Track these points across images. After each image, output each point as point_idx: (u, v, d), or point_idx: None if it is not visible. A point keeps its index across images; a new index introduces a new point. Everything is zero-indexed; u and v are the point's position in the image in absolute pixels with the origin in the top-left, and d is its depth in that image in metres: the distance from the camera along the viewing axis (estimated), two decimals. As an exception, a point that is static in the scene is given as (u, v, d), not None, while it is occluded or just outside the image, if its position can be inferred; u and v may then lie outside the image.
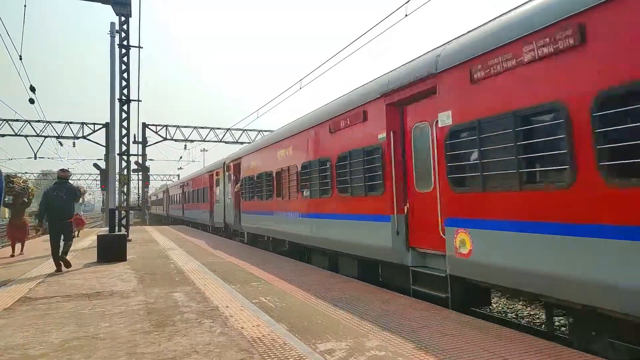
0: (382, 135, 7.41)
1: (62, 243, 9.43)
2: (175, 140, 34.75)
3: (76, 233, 17.99)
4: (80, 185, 17.82)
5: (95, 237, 11.78)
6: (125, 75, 16.28)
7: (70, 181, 10.28)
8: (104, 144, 31.65)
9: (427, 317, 5.28)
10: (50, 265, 9.71)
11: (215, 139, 35.51)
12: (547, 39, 4.51)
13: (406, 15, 9.69)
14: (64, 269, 9.37)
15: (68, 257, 9.68)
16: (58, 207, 9.27)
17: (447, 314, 5.47)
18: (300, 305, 6.01)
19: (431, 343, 4.32)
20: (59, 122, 31.96)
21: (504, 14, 5.48)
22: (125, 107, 16.32)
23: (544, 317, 7.50)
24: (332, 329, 4.86)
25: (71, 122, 32.19)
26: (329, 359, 3.95)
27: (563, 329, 7.13)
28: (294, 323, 5.14)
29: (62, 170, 10.12)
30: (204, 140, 35.51)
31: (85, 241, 16.65)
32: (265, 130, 33.95)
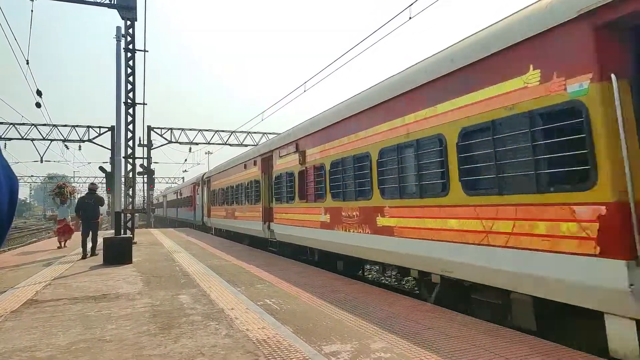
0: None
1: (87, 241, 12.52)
2: (180, 143, 34.95)
3: (62, 244, 15.64)
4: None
5: (101, 240, 11.85)
6: (130, 78, 16.39)
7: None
8: (110, 147, 31.91)
9: (431, 319, 5.28)
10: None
11: (219, 142, 35.67)
12: None
13: (410, 18, 9.70)
14: (88, 256, 12.23)
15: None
16: (88, 210, 12.57)
17: (451, 315, 5.47)
18: (305, 307, 6.02)
19: (436, 345, 4.32)
20: (65, 125, 32.24)
21: None
22: (130, 111, 16.42)
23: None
24: (337, 331, 4.87)
25: (77, 126, 32.47)
26: (334, 361, 3.97)
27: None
28: (299, 325, 5.15)
29: (92, 184, 13.51)
30: (209, 143, 35.68)
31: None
32: (270, 133, 34.02)
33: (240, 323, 5.29)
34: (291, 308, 6.01)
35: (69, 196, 16.66)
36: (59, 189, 16.77)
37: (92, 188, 13.25)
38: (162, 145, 34.33)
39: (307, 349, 4.31)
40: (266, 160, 14.74)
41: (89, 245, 12.42)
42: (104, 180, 16.85)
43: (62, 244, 15.65)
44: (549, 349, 4.13)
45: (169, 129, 34.38)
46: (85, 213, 12.54)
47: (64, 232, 15.67)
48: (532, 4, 5.06)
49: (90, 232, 12.51)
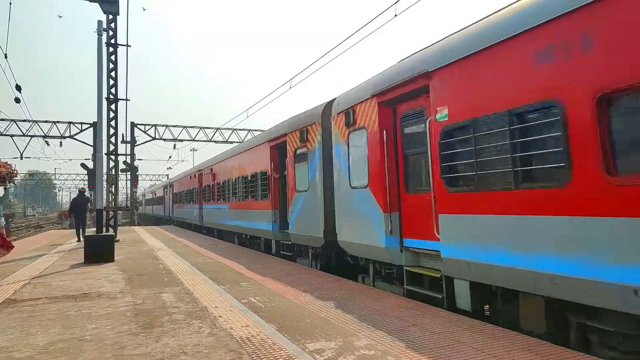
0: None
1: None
2: (164, 139, 34.49)
3: None
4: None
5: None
6: (112, 74, 16.11)
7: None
8: (92, 144, 31.30)
9: (416, 316, 5.29)
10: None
11: (204, 139, 35.32)
12: None
13: (395, 15, 9.72)
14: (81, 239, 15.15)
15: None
16: (79, 208, 16.97)
17: (436, 312, 5.49)
18: (290, 305, 5.99)
19: (420, 341, 4.33)
20: (46, 121, 31.50)
21: None
22: (113, 107, 16.15)
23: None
24: (322, 329, 4.85)
25: (58, 122, 31.74)
26: (318, 358, 3.94)
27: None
28: (284, 323, 5.12)
29: (82, 188, 18.01)
30: (194, 140, 35.31)
31: (72, 242, 16.39)
32: (255, 130, 33.83)
33: (223, 321, 5.23)
34: (276, 306, 5.97)
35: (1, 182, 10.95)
36: None
37: (82, 191, 17.54)
38: (145, 142, 33.83)
39: (291, 346, 4.28)
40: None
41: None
42: (87, 177, 16.53)
43: None
44: (531, 345, 4.17)
45: (152, 125, 33.89)
46: (76, 209, 16.95)
47: None
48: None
49: (81, 223, 17.11)
